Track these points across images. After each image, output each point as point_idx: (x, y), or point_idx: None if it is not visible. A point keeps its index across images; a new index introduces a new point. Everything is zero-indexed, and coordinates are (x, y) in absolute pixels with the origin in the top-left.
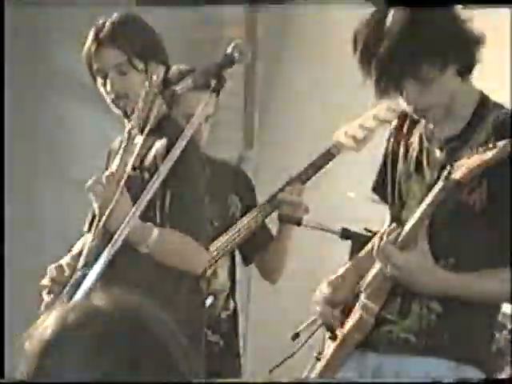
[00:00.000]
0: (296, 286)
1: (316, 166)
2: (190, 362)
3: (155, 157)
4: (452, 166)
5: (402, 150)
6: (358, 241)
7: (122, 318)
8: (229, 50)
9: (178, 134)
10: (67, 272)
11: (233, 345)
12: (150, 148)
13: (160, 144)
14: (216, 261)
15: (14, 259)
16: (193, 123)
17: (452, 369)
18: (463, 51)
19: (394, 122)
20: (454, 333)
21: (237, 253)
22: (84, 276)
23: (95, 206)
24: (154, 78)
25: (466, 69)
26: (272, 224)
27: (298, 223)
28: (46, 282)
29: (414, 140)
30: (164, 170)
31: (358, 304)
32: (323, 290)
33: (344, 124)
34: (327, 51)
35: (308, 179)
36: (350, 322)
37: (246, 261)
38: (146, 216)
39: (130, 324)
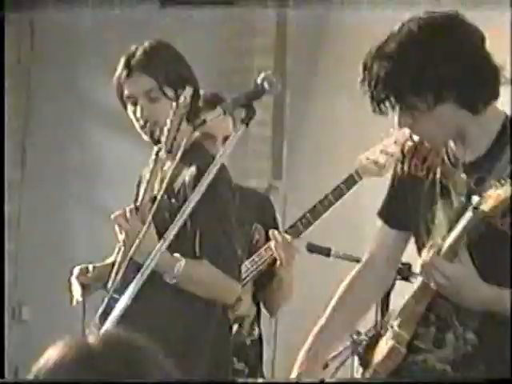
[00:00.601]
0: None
1: (338, 193)
2: None
3: (184, 184)
4: (481, 196)
5: (419, 173)
6: None
7: (112, 358)
8: (258, 81)
9: (208, 161)
10: (91, 274)
11: (257, 372)
12: (178, 174)
13: (190, 171)
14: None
15: (41, 287)
16: (224, 152)
17: None
18: (466, 89)
19: (408, 144)
20: (491, 364)
21: None
22: (114, 301)
23: (120, 237)
24: (182, 99)
25: (473, 105)
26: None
27: (327, 254)
28: (73, 279)
29: (435, 164)
30: (194, 199)
31: (388, 332)
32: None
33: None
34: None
35: (330, 206)
36: (381, 351)
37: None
38: (175, 246)
39: (120, 365)
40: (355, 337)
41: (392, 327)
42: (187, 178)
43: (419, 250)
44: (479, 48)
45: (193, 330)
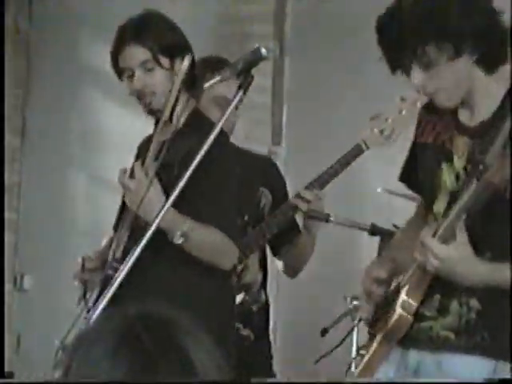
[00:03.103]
0: (324, 278)
1: (344, 163)
2: (223, 377)
3: (184, 151)
4: (485, 165)
5: (430, 139)
6: (386, 237)
7: (152, 334)
8: (256, 46)
9: (208, 128)
10: (95, 261)
11: (264, 338)
12: (179, 142)
13: (190, 139)
14: (247, 256)
15: (42, 256)
16: (222, 118)
17: (491, 368)
18: (483, 43)
19: (420, 112)
20: (494, 331)
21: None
22: (114, 269)
23: (125, 195)
24: (181, 68)
25: (487, 62)
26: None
27: (326, 219)
28: (76, 272)
29: (442, 128)
30: (194, 163)
31: (397, 301)
32: (372, 268)
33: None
34: (357, 46)
35: (335, 175)
36: (390, 320)
37: (273, 252)
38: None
39: (161, 340)
40: (354, 302)
41: (400, 293)
42: (188, 146)
43: (427, 214)
44: (493, 7)
45: (193, 298)
